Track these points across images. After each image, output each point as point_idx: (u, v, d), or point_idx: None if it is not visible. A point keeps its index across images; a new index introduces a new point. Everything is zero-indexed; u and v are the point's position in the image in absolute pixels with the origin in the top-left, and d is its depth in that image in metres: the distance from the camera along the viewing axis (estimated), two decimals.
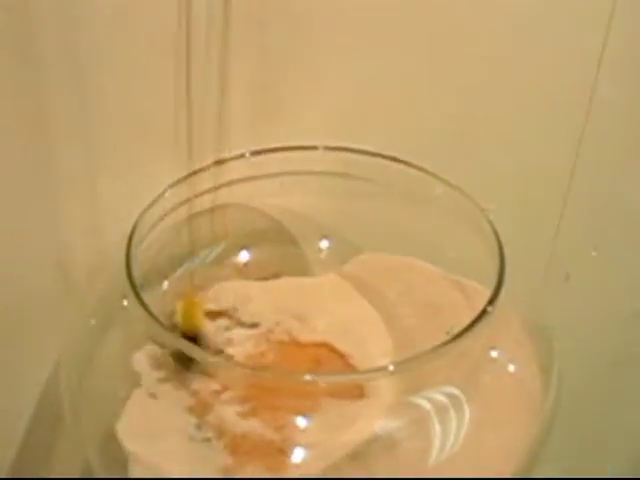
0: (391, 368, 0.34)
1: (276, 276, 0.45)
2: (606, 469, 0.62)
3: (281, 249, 0.46)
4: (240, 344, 0.41)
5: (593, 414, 0.62)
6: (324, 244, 0.46)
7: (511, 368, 0.37)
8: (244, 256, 0.45)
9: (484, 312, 0.35)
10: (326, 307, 0.44)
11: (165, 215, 0.38)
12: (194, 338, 0.36)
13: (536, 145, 0.50)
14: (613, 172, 0.53)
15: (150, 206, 0.37)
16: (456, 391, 0.35)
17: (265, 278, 0.45)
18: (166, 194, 0.38)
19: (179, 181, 0.39)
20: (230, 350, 0.40)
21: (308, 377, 0.33)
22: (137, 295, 0.33)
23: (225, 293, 0.43)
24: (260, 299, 0.43)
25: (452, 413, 0.35)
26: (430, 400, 0.35)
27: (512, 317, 0.39)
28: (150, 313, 0.33)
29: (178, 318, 0.36)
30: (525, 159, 0.50)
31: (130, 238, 0.35)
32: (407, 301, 0.43)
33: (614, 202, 0.55)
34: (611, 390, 0.61)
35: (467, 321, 0.35)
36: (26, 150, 0.37)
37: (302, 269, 0.46)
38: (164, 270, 0.41)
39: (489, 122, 0.48)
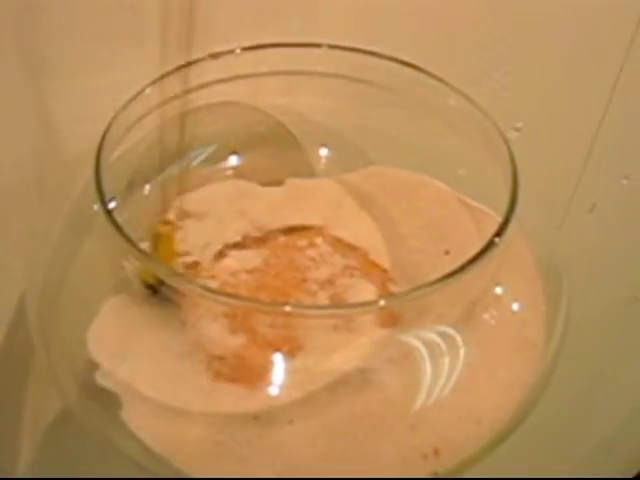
0: (382, 303, 0.31)
1: (274, 181, 0.41)
2: (608, 418, 0.60)
3: (281, 153, 0.42)
4: (230, 256, 0.38)
5: (599, 356, 0.59)
6: (326, 151, 0.42)
7: (515, 307, 0.34)
8: (237, 159, 0.41)
9: (490, 244, 0.32)
10: (322, 218, 0.40)
11: (145, 115, 0.34)
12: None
13: (573, 66, 0.45)
14: None
15: (128, 104, 0.33)
16: (452, 329, 0.32)
17: (263, 183, 0.41)
18: (146, 91, 0.34)
19: (163, 77, 0.35)
20: (221, 264, 0.38)
21: (288, 308, 0.30)
22: (103, 203, 0.30)
23: (212, 197, 0.40)
24: (249, 204, 0.40)
25: (445, 353, 0.32)
26: (423, 337, 0.32)
27: (524, 250, 0.36)
28: (116, 224, 0.30)
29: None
30: (560, 79, 0.45)
31: (102, 140, 0.31)
32: (412, 221, 0.40)
33: None
34: (621, 332, 0.58)
35: (473, 248, 0.31)
36: None
37: (303, 176, 0.42)
38: (148, 174, 0.37)
39: (522, 38, 0.43)
